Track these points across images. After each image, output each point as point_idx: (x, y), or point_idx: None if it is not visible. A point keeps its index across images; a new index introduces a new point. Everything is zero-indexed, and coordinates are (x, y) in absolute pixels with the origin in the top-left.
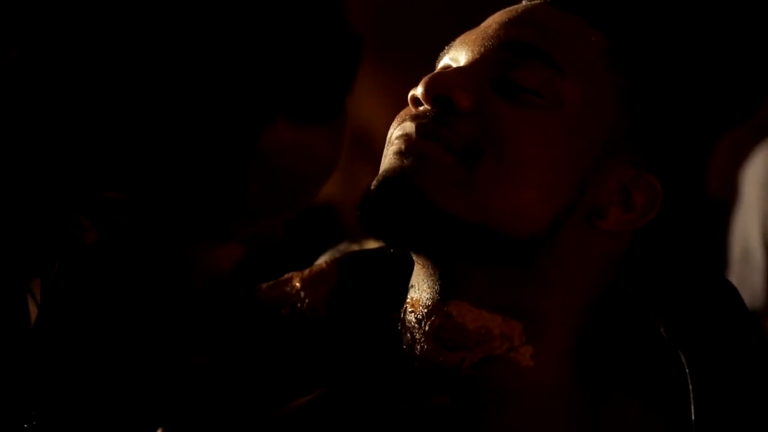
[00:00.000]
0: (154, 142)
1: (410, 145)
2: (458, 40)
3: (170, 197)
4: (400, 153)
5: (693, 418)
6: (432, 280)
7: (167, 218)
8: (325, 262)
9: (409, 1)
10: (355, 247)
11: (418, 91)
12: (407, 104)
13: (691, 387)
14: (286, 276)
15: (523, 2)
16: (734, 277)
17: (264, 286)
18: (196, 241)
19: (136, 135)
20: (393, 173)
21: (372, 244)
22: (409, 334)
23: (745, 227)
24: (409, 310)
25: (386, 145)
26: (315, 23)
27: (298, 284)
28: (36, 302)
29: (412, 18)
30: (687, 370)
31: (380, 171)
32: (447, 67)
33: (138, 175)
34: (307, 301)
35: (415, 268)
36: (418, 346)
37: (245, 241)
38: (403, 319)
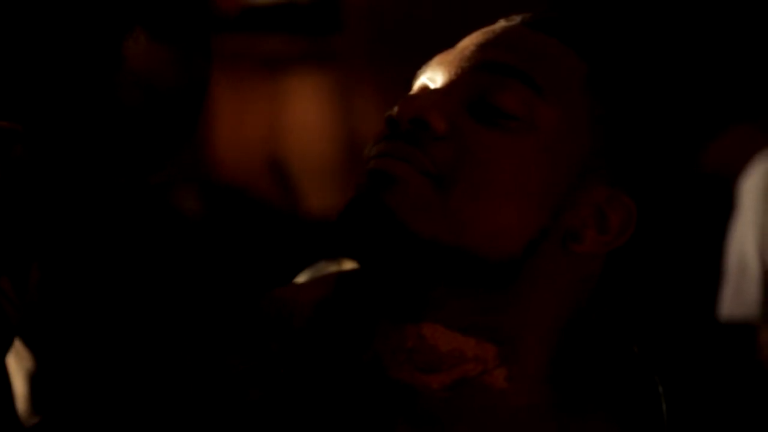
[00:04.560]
0: (21, 58)
1: (384, 166)
2: (435, 60)
3: (57, 121)
4: (373, 174)
5: None
6: (404, 301)
7: (64, 148)
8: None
9: (407, 15)
10: (332, 266)
11: (394, 112)
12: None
13: (665, 409)
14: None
15: (500, 23)
16: (730, 288)
17: (270, 294)
18: (92, 169)
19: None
20: (365, 194)
21: (349, 264)
22: (382, 355)
23: (741, 238)
24: (383, 331)
25: (362, 165)
26: None
27: (297, 290)
28: (10, 302)
29: (409, 33)
30: (661, 392)
31: (354, 191)
32: (424, 88)
33: (17, 98)
34: (302, 305)
35: (389, 288)
36: (391, 368)
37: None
38: (377, 340)
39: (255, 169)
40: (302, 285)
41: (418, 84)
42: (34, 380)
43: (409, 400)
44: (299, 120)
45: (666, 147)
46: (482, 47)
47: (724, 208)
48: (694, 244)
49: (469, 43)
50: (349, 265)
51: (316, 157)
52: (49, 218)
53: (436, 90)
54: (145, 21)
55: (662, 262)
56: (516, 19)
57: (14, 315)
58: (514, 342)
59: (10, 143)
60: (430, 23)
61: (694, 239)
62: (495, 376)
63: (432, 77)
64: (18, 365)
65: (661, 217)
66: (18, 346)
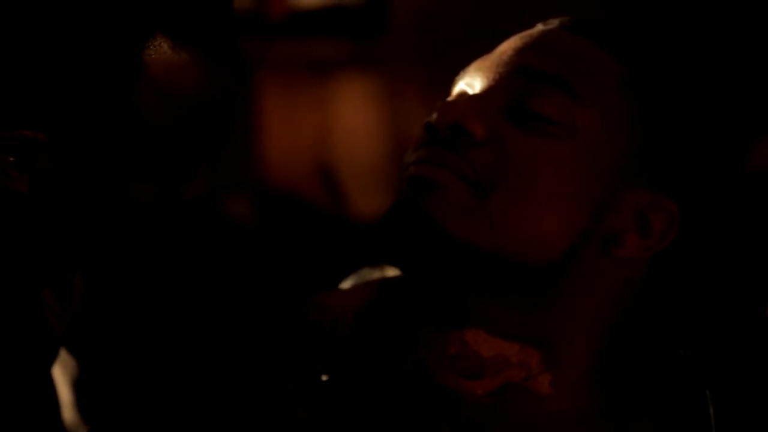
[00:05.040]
0: (43, 66)
1: (422, 173)
2: (473, 66)
3: (80, 130)
4: (411, 180)
5: None
6: (448, 307)
7: (88, 156)
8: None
9: (454, 18)
10: (377, 273)
11: (433, 118)
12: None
13: (712, 414)
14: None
15: (538, 27)
16: None
17: (314, 300)
18: (118, 180)
19: (25, 63)
20: (405, 200)
21: (392, 271)
22: (426, 362)
23: None
24: (426, 337)
25: (402, 171)
26: None
27: (341, 296)
28: (54, 314)
29: (456, 36)
30: (708, 396)
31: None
32: (462, 93)
33: (41, 108)
34: (345, 311)
35: (432, 295)
36: (436, 374)
37: (158, 176)
38: (421, 347)
39: (303, 173)
40: (345, 291)
41: (456, 90)
42: (79, 388)
43: (454, 406)
44: (347, 123)
45: (708, 148)
46: (520, 52)
47: None
48: (746, 244)
49: (507, 47)
50: (391, 271)
51: (364, 160)
52: (83, 229)
53: (474, 96)
54: (167, 28)
55: (712, 263)
56: (554, 23)
57: (58, 326)
58: (558, 347)
59: (36, 153)
60: (477, 26)
61: (745, 240)
62: (539, 381)
63: (470, 83)
64: (63, 374)
65: (707, 220)
66: (63, 355)
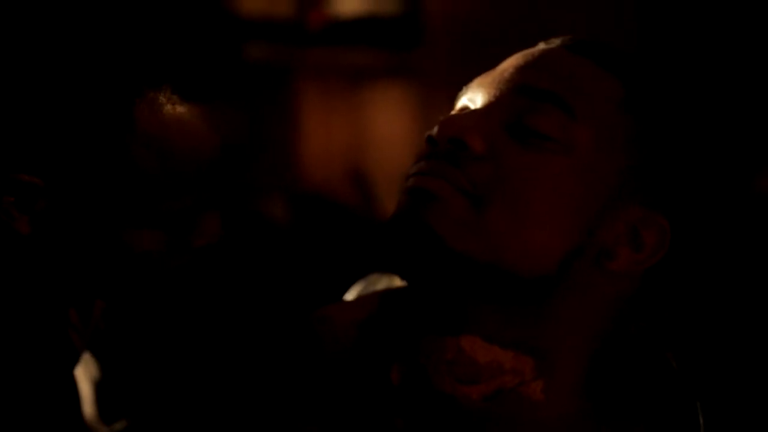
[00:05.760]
0: (34, 117)
1: (422, 184)
2: (475, 82)
3: (74, 178)
4: (412, 191)
5: None
6: (445, 315)
7: (85, 203)
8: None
9: (487, 30)
10: (384, 279)
11: (434, 132)
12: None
13: (701, 422)
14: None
15: (540, 45)
16: None
17: (319, 312)
18: (117, 227)
19: (21, 109)
20: (405, 211)
21: (398, 278)
22: (424, 367)
23: None
24: (424, 343)
25: (403, 182)
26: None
27: (342, 309)
28: (76, 330)
29: (488, 47)
30: (698, 406)
31: (395, 208)
32: (464, 108)
33: (36, 153)
34: (347, 324)
35: (430, 302)
36: (433, 379)
37: (161, 225)
38: (422, 353)
39: (338, 177)
40: (349, 303)
41: (458, 105)
42: (99, 387)
43: (451, 410)
44: (381, 130)
45: (703, 168)
46: (520, 70)
47: None
48: (738, 259)
49: (508, 65)
50: (398, 278)
51: (396, 166)
52: (92, 268)
53: (475, 111)
54: (162, 81)
55: (703, 277)
56: (556, 42)
57: (80, 343)
58: (551, 355)
59: (33, 197)
60: (509, 38)
61: (748, 258)
62: (532, 387)
63: (472, 98)
64: (84, 372)
65: (702, 237)
66: (85, 356)
